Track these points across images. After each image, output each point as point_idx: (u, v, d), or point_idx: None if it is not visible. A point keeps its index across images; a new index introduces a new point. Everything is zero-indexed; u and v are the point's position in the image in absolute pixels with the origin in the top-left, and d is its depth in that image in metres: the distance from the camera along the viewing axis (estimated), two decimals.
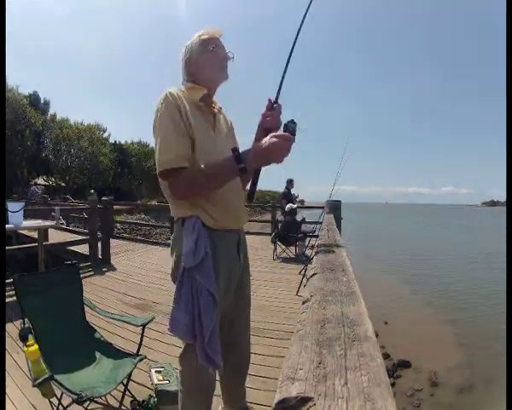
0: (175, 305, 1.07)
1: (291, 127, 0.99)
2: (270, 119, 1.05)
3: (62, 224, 5.80)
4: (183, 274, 1.05)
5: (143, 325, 1.71)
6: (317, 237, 5.58)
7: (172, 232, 1.19)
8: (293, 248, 5.75)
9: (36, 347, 1.34)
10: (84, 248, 5.14)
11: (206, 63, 1.16)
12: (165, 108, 1.06)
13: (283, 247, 5.67)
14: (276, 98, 1.07)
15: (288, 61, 1.08)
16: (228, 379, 1.41)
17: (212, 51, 1.16)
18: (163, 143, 1.04)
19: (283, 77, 1.07)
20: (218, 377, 1.37)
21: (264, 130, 1.06)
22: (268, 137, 0.89)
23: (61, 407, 1.43)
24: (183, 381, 1.24)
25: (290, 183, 6.42)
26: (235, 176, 0.99)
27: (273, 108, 1.06)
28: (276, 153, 0.89)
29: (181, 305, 1.05)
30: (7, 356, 2.05)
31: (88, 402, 1.40)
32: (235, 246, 1.22)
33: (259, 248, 6.52)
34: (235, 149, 0.96)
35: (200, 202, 1.09)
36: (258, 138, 1.10)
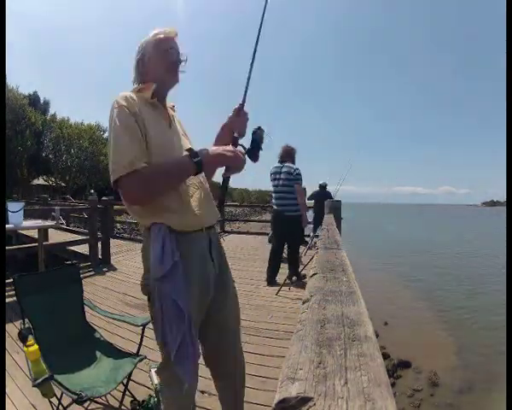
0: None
1: (258, 134, 1.15)
2: (238, 123, 1.18)
3: (62, 224, 5.80)
4: (156, 285, 1.00)
5: (143, 325, 1.71)
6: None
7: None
8: None
9: (36, 347, 1.34)
10: (84, 248, 5.14)
11: (157, 65, 1.11)
12: (116, 115, 0.99)
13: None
14: (243, 103, 1.18)
15: (252, 66, 1.16)
16: (221, 398, 1.35)
17: (165, 52, 1.11)
18: (116, 151, 0.96)
19: (248, 82, 1.17)
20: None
21: (229, 131, 1.19)
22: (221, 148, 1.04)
23: (61, 407, 1.43)
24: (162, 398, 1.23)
25: None
26: (191, 174, 1.00)
27: (240, 113, 1.18)
28: (229, 159, 1.03)
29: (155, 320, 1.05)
30: (7, 356, 2.05)
31: (88, 402, 1.40)
32: (206, 246, 1.14)
33: (259, 248, 6.52)
34: (190, 149, 1.02)
35: (162, 205, 1.03)
36: (219, 138, 1.22)
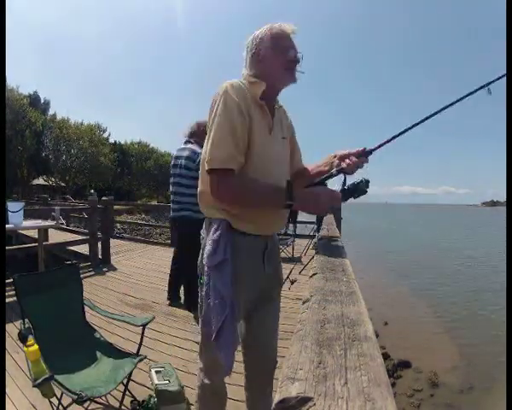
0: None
1: (360, 188, 1.11)
2: (351, 164, 1.10)
3: (62, 224, 5.80)
4: (207, 271, 1.10)
5: (143, 325, 1.71)
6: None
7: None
8: (291, 248, 5.77)
9: (36, 347, 1.34)
10: (84, 248, 5.14)
11: (274, 62, 1.07)
12: (223, 103, 0.99)
13: (281, 247, 5.69)
14: (370, 152, 1.13)
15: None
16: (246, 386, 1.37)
17: (284, 50, 1.06)
18: (215, 141, 0.98)
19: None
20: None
21: (338, 160, 1.15)
22: (323, 191, 0.99)
23: (61, 407, 1.43)
24: (198, 379, 1.26)
25: None
26: (280, 208, 1.02)
27: (360, 157, 1.11)
28: (321, 209, 0.98)
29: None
30: (7, 356, 2.05)
31: (88, 402, 1.40)
32: (260, 254, 1.15)
33: None
34: (289, 183, 0.96)
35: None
36: (322, 164, 1.23)
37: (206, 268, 1.08)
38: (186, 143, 2.97)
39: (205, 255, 1.08)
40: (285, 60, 1.06)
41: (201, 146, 2.14)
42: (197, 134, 2.92)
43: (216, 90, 1.03)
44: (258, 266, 1.15)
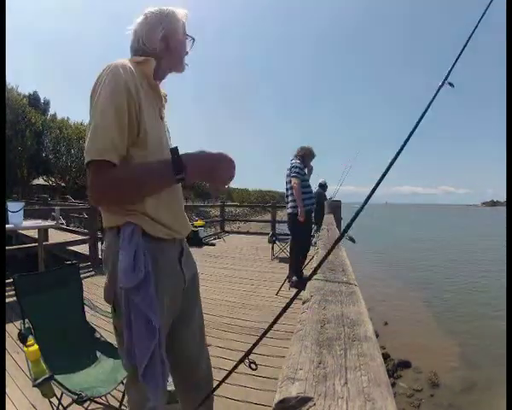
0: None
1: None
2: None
3: (62, 224, 5.80)
4: (123, 296, 0.87)
5: None
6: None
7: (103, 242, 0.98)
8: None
9: (36, 347, 1.34)
10: (84, 248, 5.13)
11: (176, 44, 0.99)
12: (109, 84, 0.82)
13: (281, 246, 5.69)
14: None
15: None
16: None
17: (185, 38, 1.01)
18: (94, 129, 0.80)
19: None
20: None
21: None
22: (222, 158, 0.82)
23: (61, 407, 1.42)
24: None
25: None
26: (170, 185, 0.84)
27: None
28: (220, 180, 0.83)
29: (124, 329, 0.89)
30: (7, 356, 2.05)
31: (88, 402, 1.40)
32: (176, 258, 1.01)
33: (259, 248, 6.53)
34: (174, 152, 0.78)
35: (140, 205, 0.88)
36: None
37: (124, 292, 0.85)
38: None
39: (120, 275, 0.84)
40: (184, 48, 1.01)
41: (302, 161, 4.03)
42: (300, 154, 4.07)
43: (103, 71, 0.85)
44: (177, 275, 1.00)
